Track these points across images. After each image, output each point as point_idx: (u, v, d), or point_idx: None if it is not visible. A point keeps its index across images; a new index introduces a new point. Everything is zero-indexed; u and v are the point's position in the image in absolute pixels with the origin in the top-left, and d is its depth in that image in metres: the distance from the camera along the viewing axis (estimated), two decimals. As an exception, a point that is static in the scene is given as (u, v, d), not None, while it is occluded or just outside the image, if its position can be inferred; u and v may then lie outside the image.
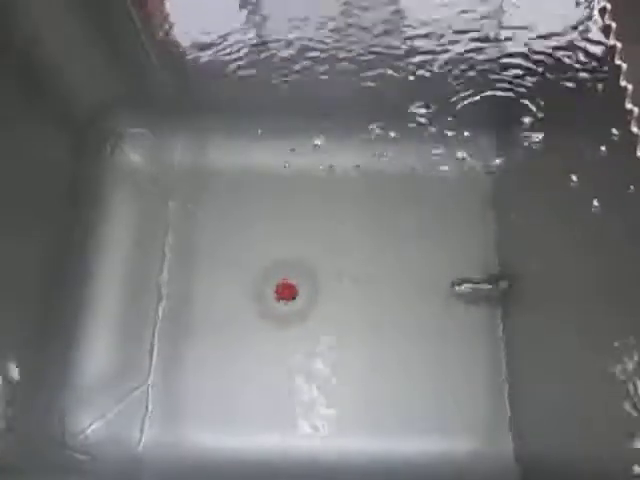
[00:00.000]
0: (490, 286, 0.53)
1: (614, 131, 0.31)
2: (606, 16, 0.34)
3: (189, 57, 0.53)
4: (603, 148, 0.32)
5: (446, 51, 0.49)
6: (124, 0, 0.48)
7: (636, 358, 0.30)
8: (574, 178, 0.39)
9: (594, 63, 0.33)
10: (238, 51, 0.52)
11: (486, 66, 0.49)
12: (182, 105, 0.57)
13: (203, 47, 0.52)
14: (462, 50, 0.49)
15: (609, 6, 0.34)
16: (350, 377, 0.52)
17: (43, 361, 0.49)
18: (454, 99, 0.53)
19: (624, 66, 0.31)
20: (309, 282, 0.55)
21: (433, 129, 0.56)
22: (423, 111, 0.55)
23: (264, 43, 0.52)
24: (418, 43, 0.49)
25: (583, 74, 0.34)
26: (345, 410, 0.51)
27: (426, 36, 0.49)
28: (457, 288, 0.54)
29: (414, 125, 0.56)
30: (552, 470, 0.44)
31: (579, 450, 0.39)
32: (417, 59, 0.50)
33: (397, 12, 0.48)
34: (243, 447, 0.51)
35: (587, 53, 0.34)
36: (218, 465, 0.49)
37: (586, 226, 0.36)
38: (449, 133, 0.56)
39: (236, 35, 0.51)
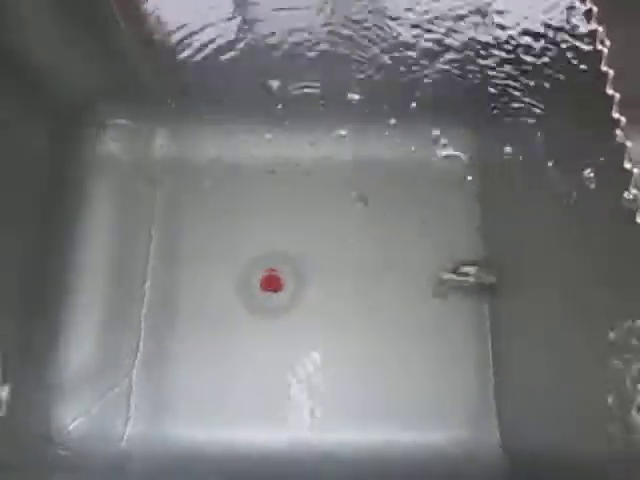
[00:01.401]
0: (476, 277, 0.52)
1: (595, 117, 0.31)
2: (587, 1, 0.33)
3: (171, 48, 0.52)
4: (584, 136, 0.32)
5: (427, 40, 0.49)
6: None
7: (620, 348, 0.30)
8: (554, 168, 0.39)
9: (575, 50, 0.33)
10: (220, 41, 0.52)
11: (471, 61, 0.49)
12: (164, 96, 0.56)
13: (185, 38, 0.51)
14: (446, 43, 0.48)
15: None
16: (337, 369, 0.52)
17: (26, 358, 0.49)
18: (438, 92, 0.52)
19: (605, 51, 0.31)
20: (294, 274, 0.55)
21: (419, 123, 0.56)
22: (411, 106, 0.55)
23: (247, 32, 0.51)
24: (404, 38, 0.49)
25: (564, 62, 0.34)
26: (333, 403, 0.51)
27: (413, 30, 0.48)
28: (444, 279, 0.54)
29: (400, 120, 0.56)
30: (537, 458, 0.44)
31: (563, 439, 0.39)
32: (403, 54, 0.50)
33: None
34: (229, 441, 0.50)
35: (568, 40, 0.33)
36: (202, 459, 0.49)
37: (567, 216, 0.36)
38: (434, 127, 0.56)
39: (218, 26, 0.51)
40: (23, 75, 0.50)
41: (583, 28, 0.33)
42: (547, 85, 0.35)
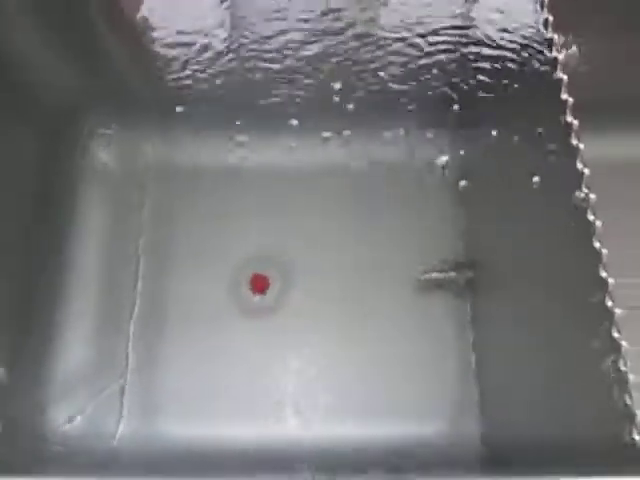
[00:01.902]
0: (456, 274, 0.54)
1: (554, 121, 0.32)
2: (544, 10, 0.35)
3: (158, 56, 0.54)
4: (546, 141, 0.33)
5: (403, 42, 0.50)
6: (91, 6, 0.49)
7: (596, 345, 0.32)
8: (528, 172, 0.41)
9: (534, 57, 0.35)
10: (209, 50, 0.53)
11: (448, 65, 0.51)
12: (153, 104, 0.58)
13: (173, 46, 0.53)
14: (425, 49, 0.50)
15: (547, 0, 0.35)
16: (324, 366, 0.53)
17: (22, 359, 0.50)
18: (418, 96, 0.54)
19: (560, 57, 0.33)
20: (282, 274, 0.57)
21: (401, 127, 0.58)
22: (392, 110, 0.57)
23: (237, 41, 0.53)
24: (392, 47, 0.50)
25: (525, 67, 0.36)
26: (321, 399, 0.53)
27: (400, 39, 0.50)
28: (427, 278, 0.55)
29: (383, 123, 0.58)
30: (515, 451, 0.46)
31: (541, 432, 0.41)
32: (387, 60, 0.52)
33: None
34: (218, 438, 0.52)
35: (525, 47, 0.35)
36: (193, 456, 0.50)
37: (531, 216, 0.38)
38: (416, 130, 0.57)
39: (208, 34, 0.52)
40: (14, 86, 0.51)
41: (540, 36, 0.35)
42: (508, 91, 0.37)
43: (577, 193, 0.29)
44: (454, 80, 0.49)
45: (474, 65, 0.45)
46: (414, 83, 0.51)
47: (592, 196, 0.29)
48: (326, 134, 0.59)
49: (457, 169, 0.57)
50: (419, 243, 0.56)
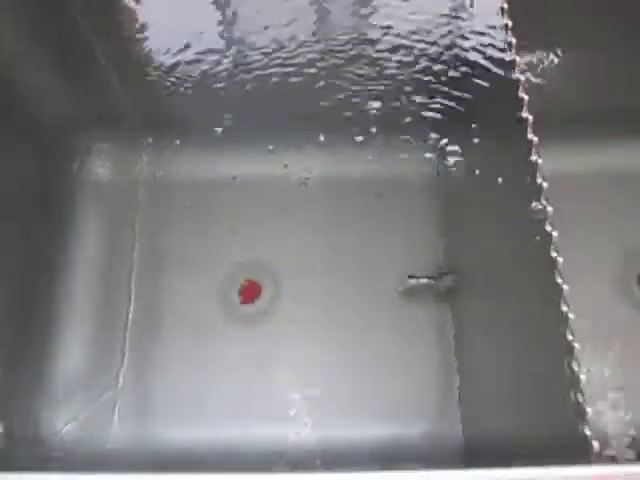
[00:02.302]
0: (437, 281, 0.56)
1: (514, 137, 0.35)
2: (508, 32, 0.37)
3: (151, 74, 0.56)
4: (510, 155, 0.36)
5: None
6: (88, 28, 0.51)
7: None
8: (500, 180, 0.43)
9: (499, 77, 0.37)
10: (201, 66, 0.55)
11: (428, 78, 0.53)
12: (145, 121, 0.60)
13: (164, 64, 0.55)
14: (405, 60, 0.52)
15: (510, 23, 0.37)
16: (312, 370, 0.55)
17: (19, 368, 0.53)
18: (398, 107, 0.56)
19: (522, 78, 0.35)
20: (272, 282, 0.59)
21: (384, 141, 0.60)
22: (373, 121, 0.59)
23: (228, 57, 0.55)
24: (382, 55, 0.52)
25: (491, 86, 0.38)
26: (311, 402, 0.55)
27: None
28: (411, 284, 0.57)
29: (363, 133, 0.60)
30: (496, 451, 0.48)
31: (511, 428, 0.43)
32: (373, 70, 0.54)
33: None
34: (209, 441, 0.54)
35: (488, 70, 0.38)
36: (184, 458, 0.52)
37: (506, 225, 0.40)
38: (398, 143, 0.60)
39: (200, 50, 0.54)
40: (13, 103, 0.54)
41: (503, 57, 0.37)
42: (475, 108, 0.39)
43: (535, 205, 0.31)
44: (433, 96, 0.51)
45: (447, 80, 0.47)
46: (395, 99, 0.53)
47: (549, 208, 0.31)
48: (313, 147, 0.61)
49: (436, 180, 0.60)
50: (402, 252, 0.58)
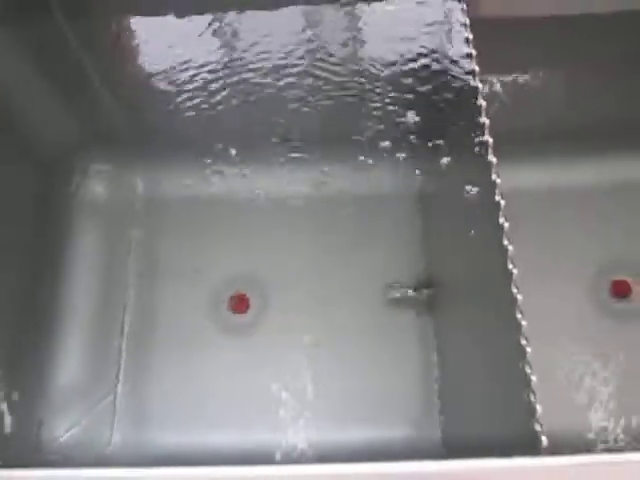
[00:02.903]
0: (418, 292, 0.59)
1: (476, 159, 0.38)
2: (472, 60, 0.40)
3: (145, 96, 0.59)
4: (472, 173, 0.39)
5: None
6: (86, 53, 0.54)
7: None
8: (472, 191, 0.46)
9: (464, 101, 0.40)
10: (192, 87, 0.58)
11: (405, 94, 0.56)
12: (141, 142, 0.63)
13: (158, 85, 0.58)
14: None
15: (474, 52, 0.40)
16: (301, 377, 0.58)
17: (21, 376, 0.55)
18: (380, 128, 0.59)
19: (483, 104, 0.38)
20: (259, 294, 0.61)
21: (365, 156, 0.63)
22: (356, 138, 0.62)
23: (225, 80, 0.57)
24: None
25: (457, 110, 0.41)
26: (298, 407, 0.57)
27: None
28: (394, 295, 0.60)
29: (349, 153, 0.63)
30: (474, 454, 0.50)
31: (487, 429, 0.45)
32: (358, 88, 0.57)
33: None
34: (203, 445, 0.57)
35: (458, 92, 0.41)
36: (179, 462, 0.55)
37: (474, 238, 0.43)
38: (379, 159, 0.63)
39: (195, 74, 0.57)
40: (14, 126, 0.57)
41: (468, 83, 0.40)
42: (445, 130, 0.42)
43: (495, 220, 0.34)
44: (410, 117, 0.54)
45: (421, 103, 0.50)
46: (376, 120, 0.57)
47: (506, 224, 0.34)
48: (299, 165, 0.64)
49: (417, 196, 0.63)
50: (384, 264, 0.61)
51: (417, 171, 0.62)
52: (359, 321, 0.60)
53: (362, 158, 0.62)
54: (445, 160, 0.47)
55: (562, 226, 0.57)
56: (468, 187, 0.39)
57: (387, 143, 0.60)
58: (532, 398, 0.30)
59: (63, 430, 0.56)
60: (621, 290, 0.58)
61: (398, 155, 0.62)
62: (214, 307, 0.61)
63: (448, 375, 0.54)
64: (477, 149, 0.37)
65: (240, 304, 0.61)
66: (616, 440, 0.49)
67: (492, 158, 0.36)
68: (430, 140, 0.52)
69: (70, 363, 0.58)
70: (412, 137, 0.57)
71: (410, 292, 0.59)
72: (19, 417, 0.54)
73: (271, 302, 0.61)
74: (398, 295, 0.59)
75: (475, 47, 0.41)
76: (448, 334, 0.54)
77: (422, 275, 0.60)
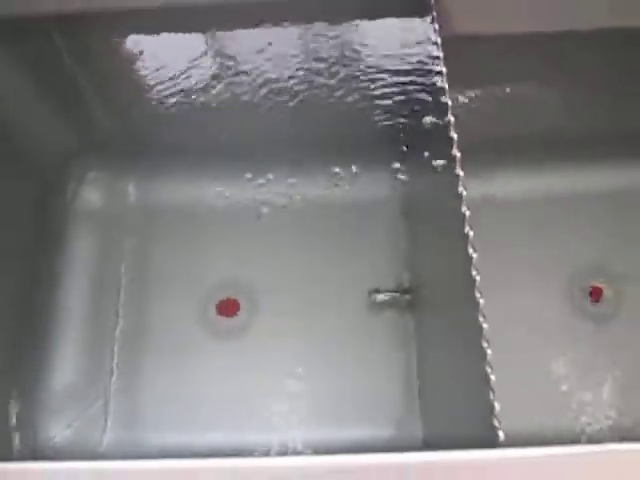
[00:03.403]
0: (400, 295, 0.61)
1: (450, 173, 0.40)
2: (443, 79, 0.43)
3: (138, 107, 0.62)
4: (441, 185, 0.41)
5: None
6: (73, 63, 0.56)
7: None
8: (436, 207, 0.48)
9: (436, 116, 0.43)
10: (184, 98, 0.60)
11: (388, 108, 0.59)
12: (133, 151, 0.65)
13: (152, 97, 0.60)
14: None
15: (445, 70, 0.43)
16: (287, 379, 0.60)
17: (16, 378, 0.58)
18: (365, 138, 0.62)
19: (452, 120, 0.41)
20: (249, 299, 0.64)
21: (352, 164, 0.65)
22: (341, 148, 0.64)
23: (218, 89, 0.59)
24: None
25: (431, 124, 0.44)
26: (286, 408, 0.59)
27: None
28: (377, 299, 0.62)
29: (334, 161, 0.65)
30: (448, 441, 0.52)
31: (457, 424, 0.47)
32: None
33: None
34: (194, 446, 0.59)
35: (430, 108, 0.43)
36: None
37: (446, 244, 0.45)
38: (364, 167, 0.65)
39: (183, 83, 0.59)
40: (10, 139, 0.59)
41: (436, 99, 0.42)
42: (420, 143, 0.45)
43: (461, 229, 0.37)
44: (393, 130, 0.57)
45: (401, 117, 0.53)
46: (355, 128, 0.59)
47: (471, 233, 0.36)
48: (287, 174, 0.67)
49: (400, 203, 0.65)
50: (368, 269, 0.63)
51: (400, 180, 0.64)
52: (344, 324, 0.62)
53: (349, 167, 0.64)
54: (420, 171, 0.49)
55: (536, 233, 0.60)
56: (440, 197, 0.41)
57: (369, 153, 0.62)
58: (491, 396, 0.32)
59: (57, 431, 0.58)
60: (595, 294, 0.61)
61: (381, 165, 0.64)
62: (205, 311, 0.63)
63: (427, 375, 0.56)
64: (446, 162, 0.40)
65: (230, 308, 0.64)
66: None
67: (460, 172, 0.38)
68: (408, 151, 0.54)
69: (64, 366, 0.60)
70: (392, 148, 0.59)
71: (393, 296, 0.61)
72: (15, 418, 0.56)
73: (260, 306, 0.63)
74: (381, 299, 0.62)
75: (446, 64, 0.43)
76: (426, 336, 0.56)
77: (404, 280, 0.62)
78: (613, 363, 0.57)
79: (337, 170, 0.66)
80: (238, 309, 0.64)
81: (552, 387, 0.55)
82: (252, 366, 0.61)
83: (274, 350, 0.61)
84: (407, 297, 0.60)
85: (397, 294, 0.61)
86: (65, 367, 0.60)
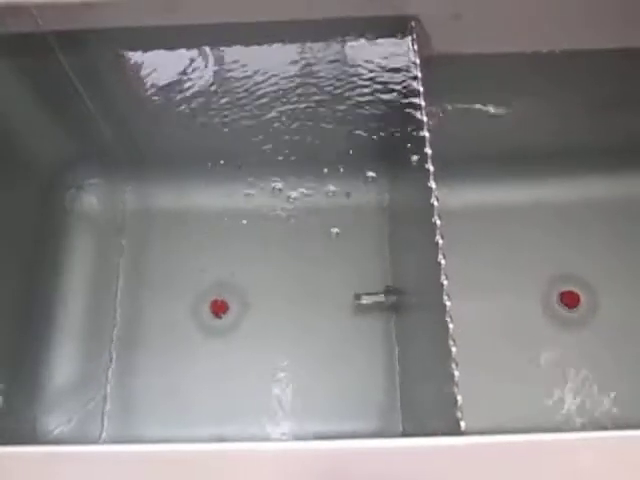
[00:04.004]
0: (383, 298, 0.64)
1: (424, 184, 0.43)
2: (420, 96, 0.46)
3: (136, 119, 0.65)
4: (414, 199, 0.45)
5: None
6: (76, 78, 0.59)
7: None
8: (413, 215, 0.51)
9: (411, 130, 0.46)
10: (179, 110, 0.63)
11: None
12: (130, 159, 0.69)
13: (148, 109, 0.63)
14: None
15: (422, 89, 0.46)
16: (276, 376, 0.64)
17: (19, 377, 0.61)
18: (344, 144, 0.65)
19: (427, 135, 0.44)
20: (239, 299, 0.67)
21: (336, 172, 0.69)
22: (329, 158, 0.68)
23: (212, 99, 0.62)
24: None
25: (408, 141, 0.47)
26: (274, 403, 0.63)
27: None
28: (361, 301, 0.66)
29: (321, 169, 0.68)
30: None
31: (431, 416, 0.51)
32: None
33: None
34: (188, 439, 0.62)
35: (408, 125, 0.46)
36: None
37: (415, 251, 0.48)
38: (349, 176, 0.68)
39: (178, 95, 0.61)
40: (14, 150, 0.62)
41: (413, 116, 0.46)
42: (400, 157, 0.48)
43: (432, 238, 0.40)
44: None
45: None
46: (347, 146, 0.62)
47: (441, 241, 0.40)
48: (276, 181, 0.70)
49: (383, 211, 0.68)
50: (354, 273, 0.67)
51: (386, 189, 0.68)
52: (330, 324, 0.65)
53: (336, 177, 0.68)
54: (399, 182, 0.53)
55: (510, 242, 0.64)
56: (416, 207, 0.45)
57: (355, 163, 0.65)
58: (455, 390, 0.36)
59: (56, 425, 0.61)
60: (568, 299, 0.64)
61: (367, 174, 0.68)
62: (197, 311, 0.66)
63: (406, 372, 0.59)
64: (420, 175, 0.43)
65: (220, 308, 0.67)
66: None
67: (432, 184, 0.42)
68: (389, 163, 0.57)
69: (65, 365, 0.63)
70: (375, 159, 0.63)
71: (376, 299, 0.65)
72: (16, 412, 0.59)
73: (248, 306, 0.66)
74: (366, 302, 0.65)
75: (424, 83, 0.47)
76: (406, 336, 0.59)
77: (388, 284, 0.65)
78: (581, 365, 0.61)
79: (326, 179, 0.69)
80: (227, 309, 0.67)
81: (518, 385, 0.58)
82: (242, 362, 0.64)
83: (263, 347, 0.65)
84: (390, 300, 0.64)
85: (381, 297, 0.64)
86: (65, 365, 0.63)
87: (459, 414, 0.35)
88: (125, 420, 0.62)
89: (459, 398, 0.35)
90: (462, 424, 0.34)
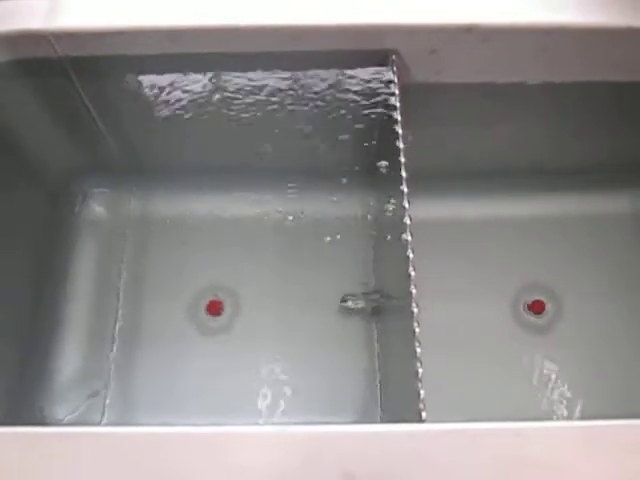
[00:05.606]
0: (369, 302, 0.70)
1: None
2: (398, 124, 0.52)
3: (140, 133, 0.70)
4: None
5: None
6: (83, 94, 0.64)
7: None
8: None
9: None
10: (180, 121, 0.68)
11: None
12: (134, 170, 0.74)
13: (152, 121, 0.67)
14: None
15: (399, 118, 0.52)
16: (268, 373, 0.69)
17: (26, 371, 0.66)
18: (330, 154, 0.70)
19: (403, 160, 0.49)
20: (233, 300, 0.72)
21: (325, 183, 0.74)
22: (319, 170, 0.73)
23: (214, 109, 0.65)
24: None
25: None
26: (267, 399, 0.68)
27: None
28: (346, 305, 0.71)
29: (311, 180, 0.74)
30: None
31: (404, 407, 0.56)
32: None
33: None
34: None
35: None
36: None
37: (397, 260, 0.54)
38: (338, 186, 0.74)
39: (178, 105, 0.66)
40: (25, 155, 0.67)
41: (393, 136, 0.51)
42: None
43: (404, 252, 0.46)
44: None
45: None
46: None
47: (411, 255, 0.45)
48: (268, 192, 0.75)
49: (367, 220, 0.74)
50: (339, 278, 0.72)
51: (370, 198, 0.73)
52: (316, 326, 0.71)
53: (324, 187, 0.73)
54: (381, 196, 0.58)
55: (480, 254, 0.69)
56: (393, 222, 0.50)
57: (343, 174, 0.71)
58: (419, 385, 0.41)
59: (62, 417, 0.66)
60: (535, 307, 0.70)
61: (354, 184, 0.74)
62: (194, 311, 0.72)
63: (385, 370, 0.65)
64: (396, 193, 0.49)
65: (215, 308, 0.72)
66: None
67: (406, 204, 0.47)
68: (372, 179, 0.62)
69: (69, 360, 0.69)
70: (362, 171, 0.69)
71: (360, 302, 0.70)
72: (24, 406, 0.64)
73: (242, 308, 0.72)
74: (350, 305, 0.71)
75: (402, 111, 0.52)
76: (385, 338, 0.65)
77: (370, 288, 0.71)
78: (548, 366, 0.66)
79: (315, 189, 0.74)
80: (222, 310, 0.72)
81: (480, 382, 0.64)
82: (236, 360, 0.69)
83: (255, 346, 0.70)
84: (372, 304, 0.69)
85: (364, 300, 0.70)
86: (70, 361, 0.69)
87: (421, 405, 0.41)
88: (124, 413, 0.67)
89: (422, 392, 0.41)
90: (423, 414, 0.40)
